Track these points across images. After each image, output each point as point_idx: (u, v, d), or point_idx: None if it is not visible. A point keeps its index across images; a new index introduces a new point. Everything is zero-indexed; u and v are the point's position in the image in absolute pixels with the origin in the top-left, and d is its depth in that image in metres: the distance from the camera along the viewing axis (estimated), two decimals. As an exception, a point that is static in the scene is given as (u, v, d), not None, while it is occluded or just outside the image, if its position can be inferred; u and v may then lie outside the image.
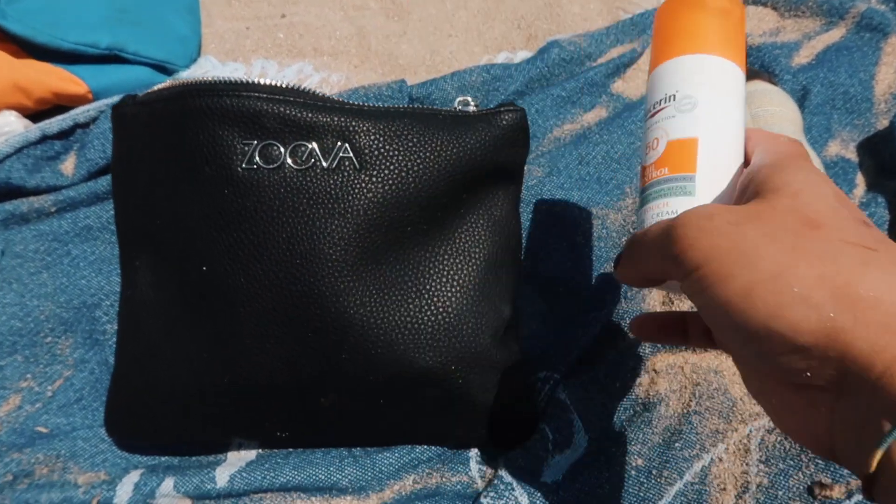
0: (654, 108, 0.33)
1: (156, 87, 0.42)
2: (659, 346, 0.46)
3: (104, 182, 0.53)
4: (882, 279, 0.22)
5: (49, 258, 0.51)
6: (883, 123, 0.57)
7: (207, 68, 0.65)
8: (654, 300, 0.49)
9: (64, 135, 0.55)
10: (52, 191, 0.53)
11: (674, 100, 0.32)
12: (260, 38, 0.69)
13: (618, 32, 0.64)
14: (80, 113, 0.56)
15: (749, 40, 0.62)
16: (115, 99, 0.57)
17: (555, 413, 0.44)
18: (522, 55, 0.64)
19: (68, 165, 0.54)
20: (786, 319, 0.22)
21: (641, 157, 0.35)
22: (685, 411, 0.43)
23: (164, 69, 0.63)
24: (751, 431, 0.43)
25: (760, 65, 0.60)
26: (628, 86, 0.62)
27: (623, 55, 0.62)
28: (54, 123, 0.54)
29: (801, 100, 0.57)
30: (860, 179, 0.53)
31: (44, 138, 0.54)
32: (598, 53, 0.63)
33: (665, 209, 0.31)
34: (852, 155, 0.55)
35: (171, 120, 0.40)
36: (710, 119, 0.32)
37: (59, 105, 0.59)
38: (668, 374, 0.45)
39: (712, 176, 0.31)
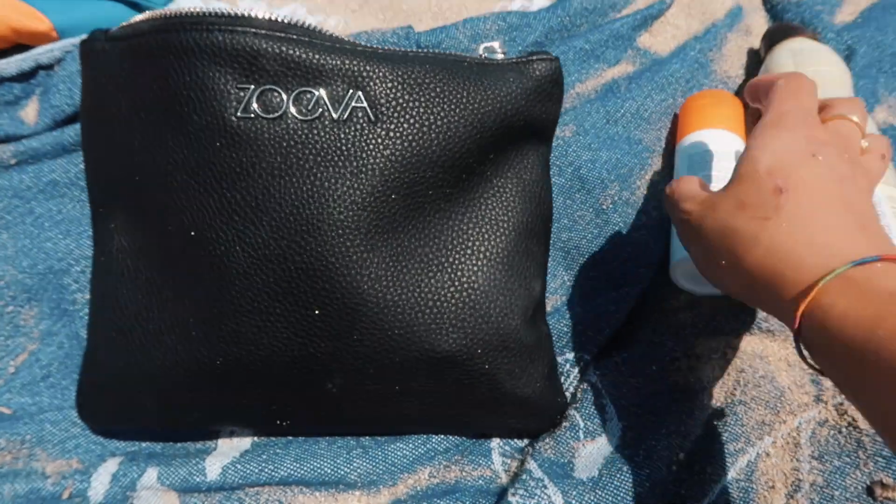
0: None
1: (132, 20, 0.36)
2: (699, 326, 0.42)
3: (71, 132, 0.46)
4: None
5: (9, 217, 0.45)
6: (932, 88, 0.52)
7: (188, 5, 0.58)
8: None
9: (24, 77, 0.48)
10: (12, 140, 0.46)
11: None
12: (247, -25, 0.62)
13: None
14: (42, 53, 0.49)
15: (786, -8, 0.57)
16: (84, 37, 0.50)
17: (585, 398, 0.40)
18: (540, 2, 0.58)
19: (30, 112, 0.47)
20: None
21: None
22: (729, 400, 0.39)
23: (138, 6, 0.56)
24: (800, 424, 0.39)
25: (801, 21, 0.55)
26: (656, 40, 0.56)
27: (651, 6, 0.56)
28: (12, 64, 0.47)
29: (847, 61, 0.52)
30: (912, 148, 0.49)
31: (0, 80, 0.47)
32: (623, 3, 0.57)
33: None
34: (902, 121, 0.51)
35: (152, 58, 0.34)
36: None
37: (18, 44, 0.52)
38: (710, 358, 0.41)
39: None
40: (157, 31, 0.34)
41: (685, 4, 0.58)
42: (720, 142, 0.45)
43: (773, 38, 0.52)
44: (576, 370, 0.41)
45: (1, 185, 0.45)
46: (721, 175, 0.42)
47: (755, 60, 0.55)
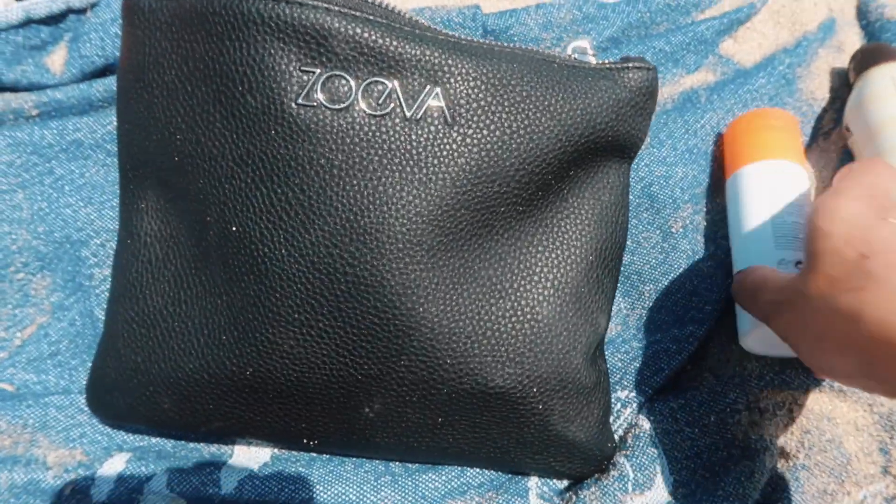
0: None
1: (187, -25, 0.31)
2: (766, 378, 0.38)
3: (101, 87, 0.42)
4: None
5: (26, 175, 0.41)
6: None
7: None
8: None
9: (53, 20, 0.44)
10: (35, 89, 0.42)
11: None
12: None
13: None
14: (76, -8, 0.44)
15: (886, 11, 0.52)
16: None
17: (636, 445, 0.36)
18: (618, -8, 0.54)
19: (56, 60, 0.43)
20: None
21: None
22: (791, 463, 0.36)
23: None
24: (865, 498, 0.36)
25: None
26: (741, 48, 0.52)
27: (739, 9, 0.51)
28: (42, 4, 0.43)
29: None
30: None
31: (28, 22, 0.42)
32: (708, 2, 0.52)
33: None
34: None
35: (206, 25, 0.30)
36: None
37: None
38: (775, 414, 0.37)
39: None
40: (214, -7, 0.30)
41: (774, 11, 0.54)
42: (783, 175, 0.40)
43: (865, 60, 0.48)
44: (627, 411, 0.38)
45: (20, 138, 0.41)
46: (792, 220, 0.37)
47: (842, 82, 0.51)
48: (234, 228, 0.30)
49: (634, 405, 0.38)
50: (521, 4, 0.52)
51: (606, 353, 0.39)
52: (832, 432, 0.37)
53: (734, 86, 0.48)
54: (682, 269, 0.42)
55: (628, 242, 0.42)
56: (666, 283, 0.41)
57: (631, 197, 0.43)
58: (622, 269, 0.42)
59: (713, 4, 0.53)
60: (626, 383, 0.39)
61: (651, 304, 0.41)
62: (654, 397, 0.38)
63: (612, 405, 0.38)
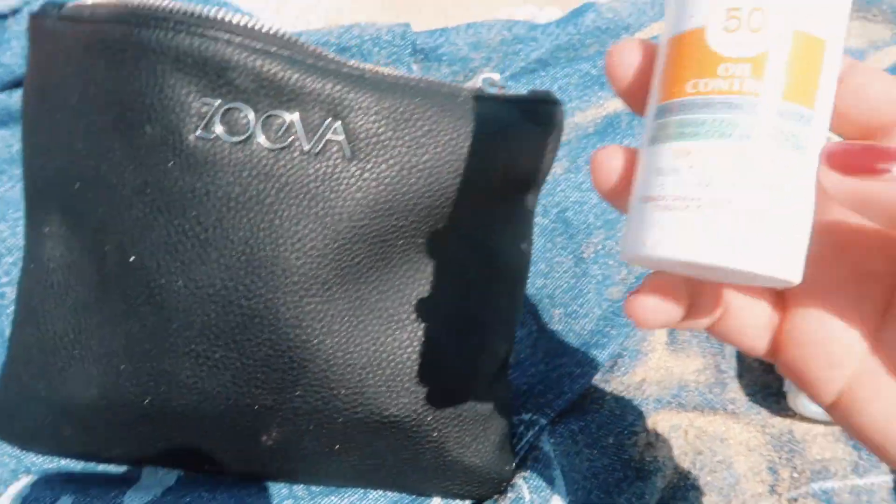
0: None
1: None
2: (664, 401, 0.40)
3: (20, 99, 0.42)
4: None
5: (-63, 185, 0.41)
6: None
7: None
8: (657, 342, 0.43)
9: (-29, 25, 0.43)
10: (-51, 97, 0.42)
11: None
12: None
13: (664, 3, 0.54)
14: (-5, -3, 0.44)
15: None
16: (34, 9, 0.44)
17: (535, 467, 0.38)
18: (550, 12, 0.55)
19: (-27, 67, 0.43)
20: None
21: (673, 25, 0.20)
22: (682, 484, 0.38)
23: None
24: (751, 517, 0.38)
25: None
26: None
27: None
28: (-41, 8, 0.42)
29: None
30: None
31: (-58, 27, 0.42)
32: (637, 26, 0.54)
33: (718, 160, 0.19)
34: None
35: (107, 52, 0.30)
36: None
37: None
38: (671, 436, 0.39)
39: (826, 111, 0.19)
40: (115, 21, 0.30)
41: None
42: None
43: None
44: (529, 433, 0.39)
45: (-69, 148, 0.41)
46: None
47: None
48: (132, 259, 0.30)
49: (537, 427, 0.39)
50: (452, 23, 0.52)
51: (514, 375, 0.40)
52: (724, 453, 0.39)
53: (656, 111, 0.50)
54: (591, 293, 0.43)
55: (541, 266, 0.44)
56: (575, 308, 0.43)
57: (546, 221, 0.44)
58: (535, 292, 0.43)
59: (643, 27, 0.54)
60: (529, 406, 0.40)
61: (560, 328, 0.42)
62: (556, 419, 0.40)
63: (516, 427, 0.39)
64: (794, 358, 0.22)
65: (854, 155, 0.18)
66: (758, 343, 0.23)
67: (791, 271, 0.19)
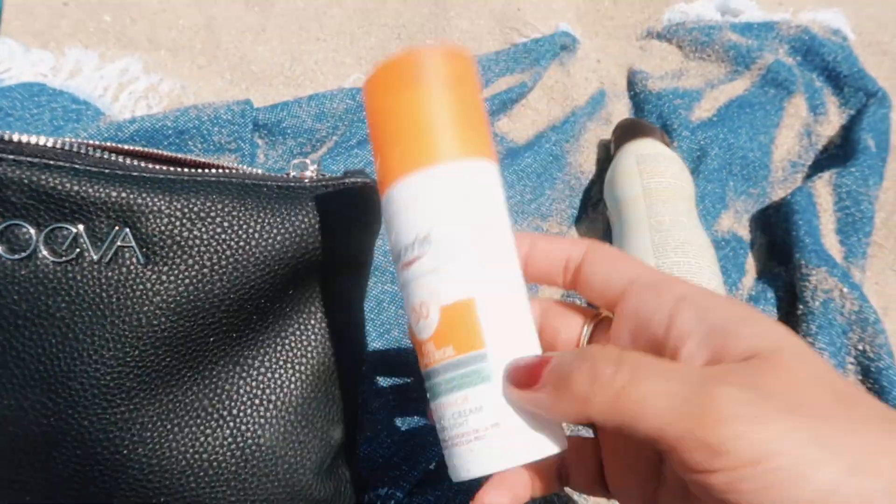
0: (406, 255, 0.25)
1: None
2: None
3: None
4: None
5: None
6: (778, 194, 0.53)
7: (4, 56, 0.52)
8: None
9: None
10: None
11: (429, 244, 0.25)
12: (81, 19, 0.56)
13: (508, 60, 0.56)
14: None
15: (650, 83, 0.56)
16: None
17: (391, 546, 0.37)
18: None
19: None
20: None
21: (408, 320, 0.26)
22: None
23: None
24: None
25: (659, 115, 0.55)
26: (514, 126, 0.55)
27: (511, 88, 0.54)
28: None
29: (697, 162, 0.52)
30: (751, 264, 0.49)
31: None
32: (483, 83, 0.55)
33: (465, 406, 0.24)
34: (745, 231, 0.51)
35: None
36: (486, 260, 0.25)
37: None
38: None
39: (506, 340, 0.24)
40: None
41: (548, 87, 0.57)
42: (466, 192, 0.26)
43: (619, 136, 0.51)
44: (386, 509, 0.39)
45: None
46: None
47: (607, 154, 0.54)
48: (-82, 387, 0.29)
49: (392, 502, 0.39)
50: (302, 92, 0.53)
51: (369, 449, 0.40)
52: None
53: (506, 163, 0.51)
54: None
55: (396, 325, 0.44)
56: (429, 372, 0.43)
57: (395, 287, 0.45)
58: (394, 358, 0.43)
59: (488, 84, 0.56)
60: (385, 479, 0.39)
61: (413, 395, 0.42)
62: (413, 491, 0.39)
63: (373, 502, 0.39)
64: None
65: (520, 372, 0.23)
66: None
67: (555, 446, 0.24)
